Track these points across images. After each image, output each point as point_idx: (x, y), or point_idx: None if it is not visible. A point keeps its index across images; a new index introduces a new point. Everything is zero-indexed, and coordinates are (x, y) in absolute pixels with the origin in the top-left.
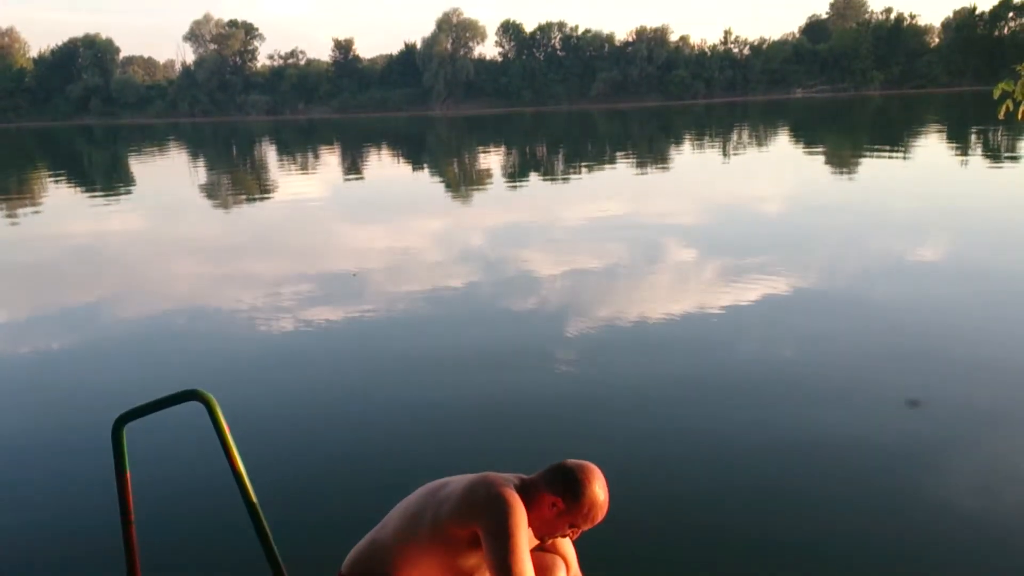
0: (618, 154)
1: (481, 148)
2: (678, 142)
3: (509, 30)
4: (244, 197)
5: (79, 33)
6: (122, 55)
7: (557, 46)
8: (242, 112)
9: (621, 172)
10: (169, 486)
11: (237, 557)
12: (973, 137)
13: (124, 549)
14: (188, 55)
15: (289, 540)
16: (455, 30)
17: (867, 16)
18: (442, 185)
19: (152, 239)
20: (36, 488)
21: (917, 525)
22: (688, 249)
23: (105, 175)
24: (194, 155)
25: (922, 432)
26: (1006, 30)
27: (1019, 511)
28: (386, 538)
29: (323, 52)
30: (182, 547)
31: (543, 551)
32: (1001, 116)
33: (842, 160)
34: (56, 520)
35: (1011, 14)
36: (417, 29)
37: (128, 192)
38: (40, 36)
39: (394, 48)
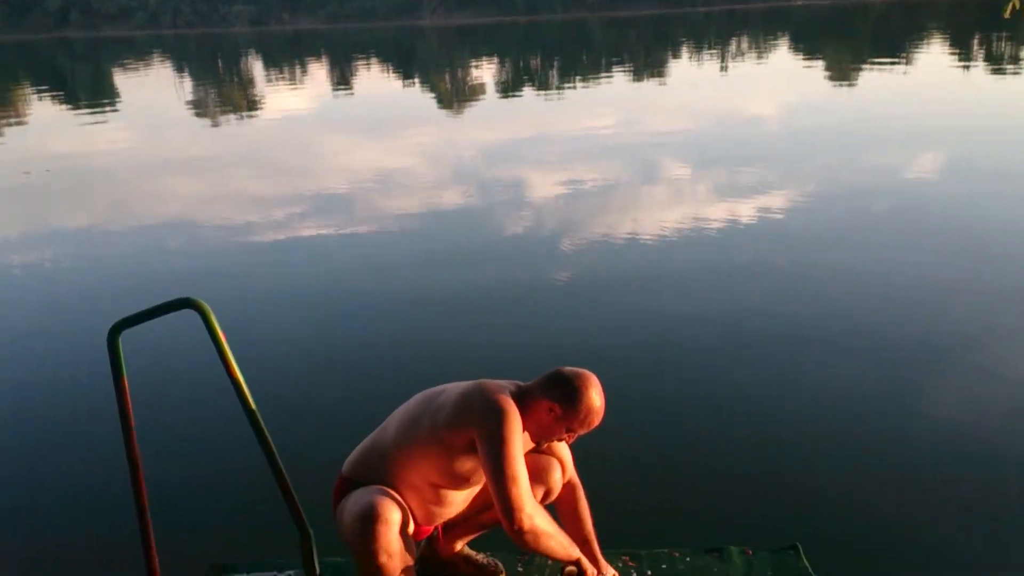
0: (615, 66)
1: (473, 61)
2: (676, 53)
3: None
4: (232, 113)
5: None
6: None
7: None
8: (226, 23)
9: (618, 85)
10: (168, 394)
11: (238, 460)
12: (976, 44)
13: (126, 453)
14: None
15: (290, 444)
16: None
17: None
18: (434, 100)
19: (141, 155)
20: (35, 399)
21: (915, 436)
22: (683, 163)
23: (90, 90)
24: (179, 69)
25: (918, 348)
26: None
27: None
28: (385, 442)
29: None
30: (183, 452)
31: (539, 453)
32: (1007, 15)
33: (843, 71)
34: (57, 428)
35: None
36: None
37: (115, 108)
38: None
39: None
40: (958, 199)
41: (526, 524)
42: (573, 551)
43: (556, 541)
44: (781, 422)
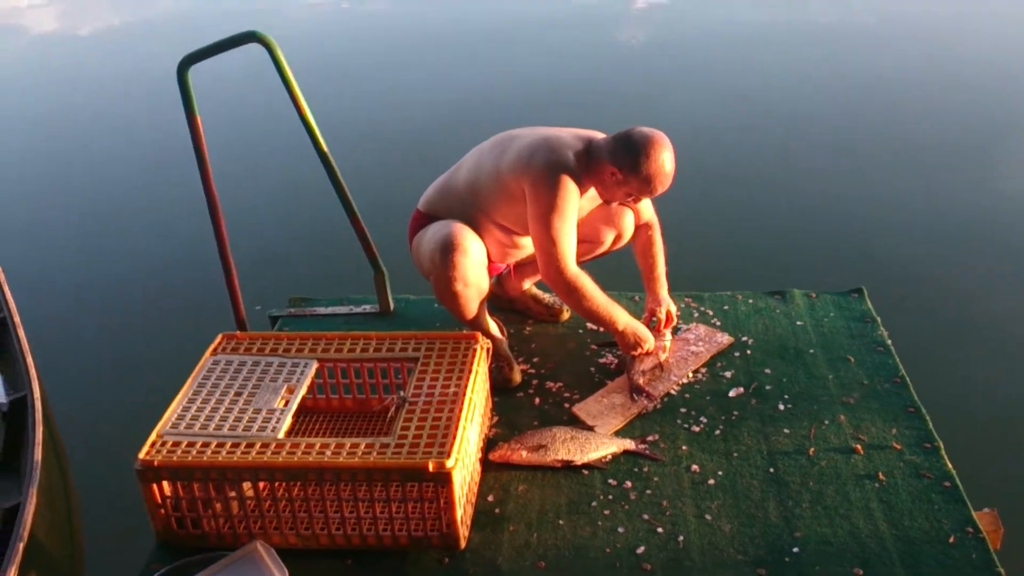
0: None
1: None
2: None
3: None
4: None
5: None
6: None
7: None
8: None
9: None
10: (241, 132)
11: (314, 201)
12: None
13: (204, 191)
14: None
15: (364, 181)
16: None
17: None
18: None
19: None
20: (106, 136)
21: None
22: None
23: None
24: None
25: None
26: None
27: None
28: (458, 181)
29: None
30: (259, 190)
31: None
32: None
33: None
34: (132, 165)
35: None
36: None
37: None
38: None
39: None
40: None
41: (561, 286)
42: (616, 314)
43: (597, 303)
44: (850, 172)
